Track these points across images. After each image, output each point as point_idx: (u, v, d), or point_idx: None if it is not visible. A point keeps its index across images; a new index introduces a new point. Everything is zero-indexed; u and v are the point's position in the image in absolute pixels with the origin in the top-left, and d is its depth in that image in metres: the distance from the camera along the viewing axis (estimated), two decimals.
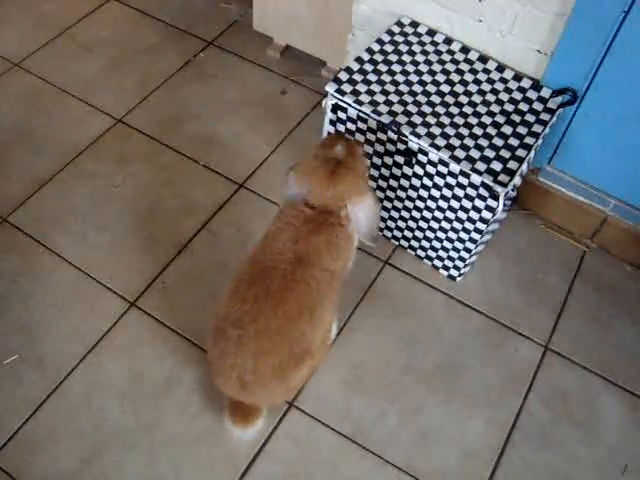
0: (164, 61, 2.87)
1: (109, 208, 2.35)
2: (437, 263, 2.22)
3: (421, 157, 1.90)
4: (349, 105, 1.95)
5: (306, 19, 2.67)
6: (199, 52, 2.92)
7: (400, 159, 1.96)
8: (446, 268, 2.21)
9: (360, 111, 1.94)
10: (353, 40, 2.44)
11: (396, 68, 2.05)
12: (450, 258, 2.16)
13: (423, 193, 2.01)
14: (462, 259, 2.12)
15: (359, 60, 2.06)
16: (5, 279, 2.18)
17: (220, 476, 1.84)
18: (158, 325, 2.07)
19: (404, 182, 2.02)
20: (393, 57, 2.08)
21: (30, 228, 2.30)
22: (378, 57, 2.08)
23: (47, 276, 2.18)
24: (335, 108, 1.99)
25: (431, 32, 2.17)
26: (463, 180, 1.85)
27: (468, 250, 2.07)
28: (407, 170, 1.98)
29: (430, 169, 1.91)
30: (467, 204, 1.91)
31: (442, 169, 1.88)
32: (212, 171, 2.47)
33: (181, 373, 1.99)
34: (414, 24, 2.19)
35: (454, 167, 1.85)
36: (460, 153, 1.85)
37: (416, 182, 1.99)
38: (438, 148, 1.86)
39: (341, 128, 2.03)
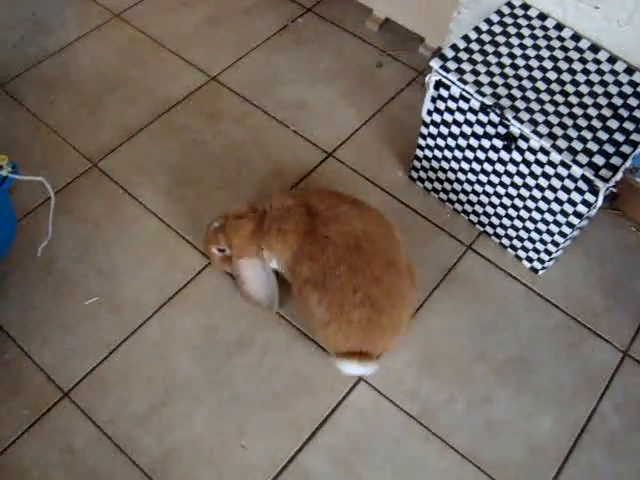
0: (261, 23, 2.86)
1: (196, 163, 2.36)
2: (521, 254, 2.17)
3: (521, 143, 1.85)
4: (453, 83, 1.91)
5: None
6: (297, 17, 2.90)
7: (498, 143, 1.91)
8: (529, 260, 2.16)
9: (464, 90, 1.89)
10: (458, 18, 2.38)
11: (503, 50, 1.99)
12: (535, 250, 2.10)
13: (517, 180, 1.95)
14: (548, 252, 2.07)
15: (466, 38, 2.01)
16: (90, 222, 2.21)
17: (283, 441, 1.84)
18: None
19: (499, 167, 1.97)
20: (501, 38, 2.03)
21: (118, 176, 2.33)
22: (485, 37, 2.02)
23: (130, 224, 2.21)
24: (438, 85, 1.94)
25: (542, 16, 2.10)
26: (562, 171, 1.80)
27: (556, 244, 2.02)
28: (504, 155, 1.93)
29: (529, 156, 1.86)
30: (563, 196, 1.85)
31: (542, 157, 1.82)
32: (301, 137, 2.46)
33: (255, 334, 2.00)
34: (525, 6, 2.12)
35: (555, 157, 1.79)
36: (562, 143, 1.79)
37: (512, 168, 1.94)
38: (540, 135, 1.80)
39: (441, 106, 1.98)
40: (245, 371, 1.94)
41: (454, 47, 1.98)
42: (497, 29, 2.05)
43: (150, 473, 1.79)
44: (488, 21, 2.07)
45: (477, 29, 2.04)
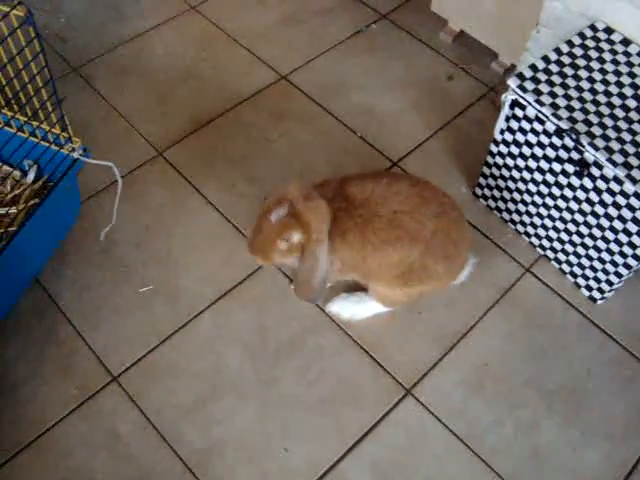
0: (335, 26, 2.86)
1: (261, 161, 2.37)
2: (580, 281, 2.12)
3: (594, 170, 1.81)
4: (529, 104, 1.88)
5: (489, 8, 2.59)
6: (371, 23, 2.89)
7: (570, 168, 1.88)
8: (589, 288, 2.11)
9: (540, 111, 1.86)
10: (536, 37, 2.34)
11: (583, 74, 1.96)
12: (596, 279, 2.06)
13: (586, 207, 1.92)
14: (609, 282, 2.03)
15: (545, 59, 1.97)
16: (152, 211, 2.23)
17: (326, 447, 1.83)
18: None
19: (568, 192, 1.94)
20: (581, 62, 1.99)
21: (183, 167, 2.35)
22: (565, 59, 1.99)
23: (192, 216, 2.23)
24: (513, 104, 1.91)
25: (625, 42, 2.05)
26: (635, 202, 1.76)
27: (619, 275, 1.98)
28: (575, 181, 1.89)
29: (601, 184, 1.82)
30: (633, 228, 1.81)
31: (614, 187, 1.79)
32: (367, 144, 2.45)
33: (306, 337, 2.00)
34: (608, 30, 2.08)
35: (628, 187, 1.75)
36: (637, 174, 1.75)
37: (581, 195, 1.90)
38: (615, 164, 1.76)
39: (515, 126, 1.95)
40: (293, 373, 1.94)
41: (533, 67, 1.95)
42: (578, 52, 2.01)
43: (191, 466, 1.79)
44: (569, 43, 2.03)
45: (557, 50, 2.00)
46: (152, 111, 2.51)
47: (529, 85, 1.90)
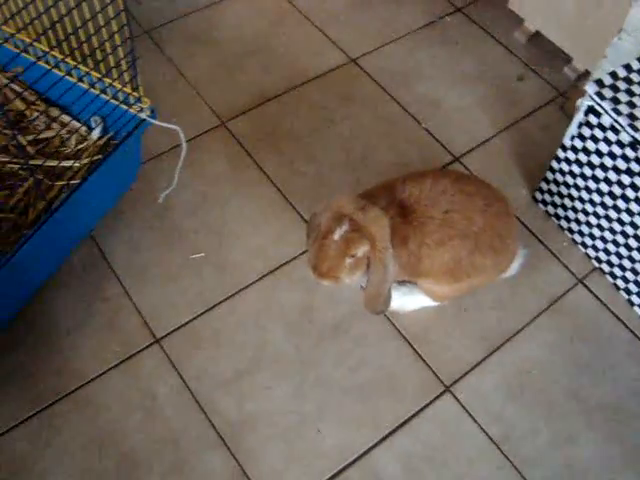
0: (409, 15, 2.83)
1: (322, 141, 2.36)
2: (635, 299, 2.08)
3: None
4: (605, 112, 1.83)
5: (570, 10, 2.53)
6: (445, 15, 2.85)
7: None
8: None
9: (616, 121, 1.82)
10: (617, 44, 2.28)
11: None
12: None
13: None
14: None
15: (627, 67, 1.93)
16: (210, 179, 2.24)
17: (359, 434, 1.83)
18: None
19: (634, 207, 1.89)
20: None
21: (245, 139, 2.35)
22: None
23: (249, 188, 2.23)
24: (589, 111, 1.87)
25: None
26: None
27: None
28: None
29: None
30: None
31: None
32: (431, 136, 2.42)
33: (351, 322, 1.99)
34: None
35: None
36: None
37: None
38: None
39: (587, 133, 1.91)
40: (335, 357, 1.93)
41: (613, 75, 1.90)
42: None
43: (223, 435, 1.80)
44: None
45: None
46: (219, 81, 2.51)
47: (607, 93, 1.85)
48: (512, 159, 2.39)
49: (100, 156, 1.98)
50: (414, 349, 1.97)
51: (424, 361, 1.95)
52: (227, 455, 1.78)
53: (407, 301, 2.00)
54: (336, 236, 1.62)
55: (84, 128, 2.07)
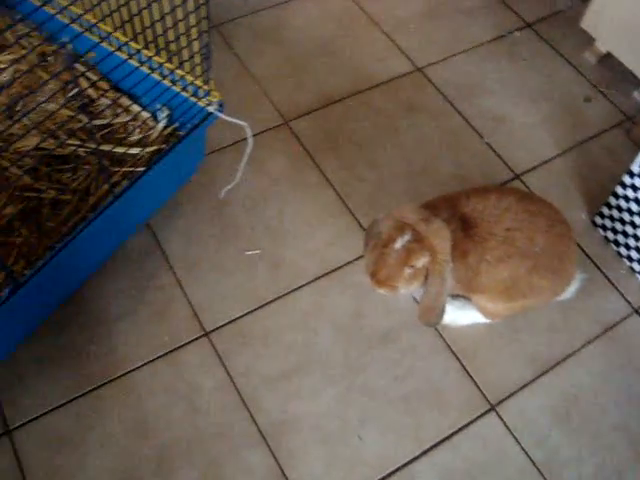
0: (478, 27, 2.80)
1: (384, 148, 2.35)
2: None
3: None
4: None
5: None
6: (514, 30, 2.82)
7: None
8: None
9: None
10: None
11: None
12: None
13: None
14: None
15: None
16: (270, 177, 2.24)
17: (401, 445, 1.82)
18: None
19: None
20: None
21: (306, 139, 2.36)
22: None
23: (308, 189, 2.23)
24: None
25: None
26: None
27: None
28: None
29: None
30: None
31: None
32: (493, 151, 2.40)
33: (401, 332, 1.98)
34: None
35: None
36: None
37: None
38: None
39: None
40: (382, 365, 1.92)
41: None
42: None
43: (265, 434, 1.80)
44: None
45: None
46: (284, 79, 2.52)
47: None
48: (573, 181, 2.35)
49: (164, 146, 1.99)
50: (462, 364, 1.95)
51: (471, 377, 1.93)
52: (267, 454, 1.78)
53: (459, 315, 1.99)
54: (397, 245, 1.62)
55: (150, 117, 2.09)
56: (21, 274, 1.66)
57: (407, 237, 1.62)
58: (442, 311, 1.71)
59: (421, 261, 1.64)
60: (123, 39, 1.94)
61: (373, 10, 2.80)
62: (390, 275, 1.65)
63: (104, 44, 1.89)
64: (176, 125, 2.06)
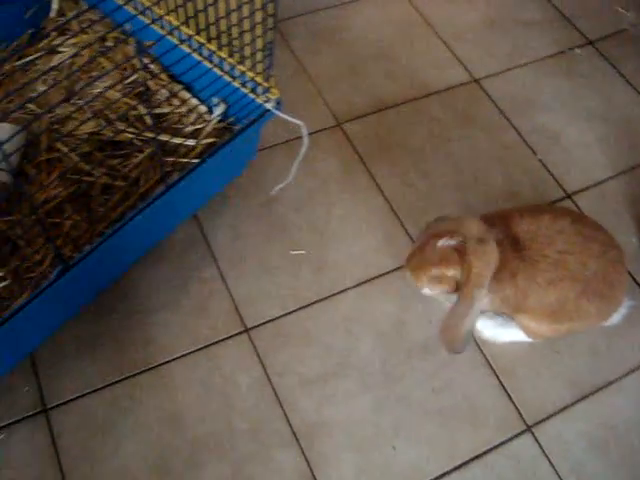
0: (538, 41, 2.77)
1: (436, 157, 2.34)
2: None
3: None
4: None
5: None
6: (576, 47, 2.78)
7: None
8: None
9: None
10: None
11: None
12: None
13: None
14: None
15: None
16: (320, 178, 2.24)
17: (434, 458, 1.81)
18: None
19: None
20: None
21: (359, 143, 2.35)
22: None
23: (356, 193, 2.22)
24: None
25: None
26: None
27: None
28: None
29: None
30: None
31: None
32: (545, 168, 2.37)
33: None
34: None
35: None
36: None
37: None
38: None
39: None
40: (420, 376, 1.91)
41: None
42: None
43: (298, 435, 1.80)
44: None
45: None
46: (340, 81, 2.51)
47: None
48: (626, 204, 2.32)
49: (217, 139, 2.00)
50: (500, 382, 1.93)
51: (509, 396, 1.91)
52: (299, 455, 1.78)
53: (501, 332, 1.97)
54: (439, 243, 1.64)
55: (206, 111, 2.10)
56: (69, 257, 1.67)
57: (452, 243, 1.62)
58: (465, 338, 1.67)
59: (450, 271, 1.64)
60: (188, 32, 1.95)
61: (433, 17, 2.79)
62: (419, 266, 1.69)
63: (169, 37, 1.91)
64: (230, 120, 2.07)
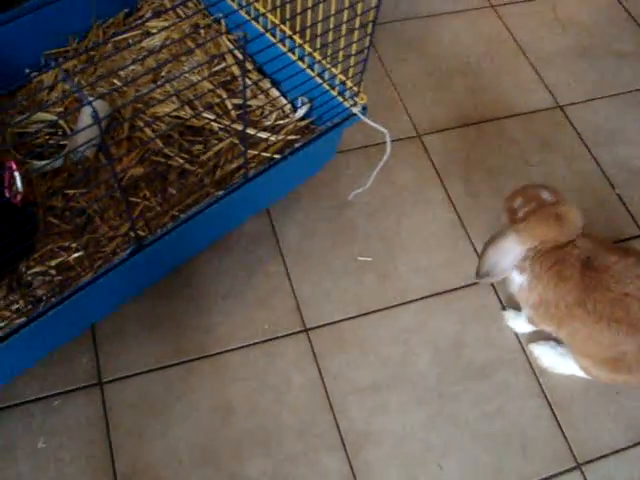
0: (629, 73, 2.72)
1: (513, 180, 2.28)
2: None
3: None
4: None
5: None
6: None
7: None
8: None
9: None
10: None
11: None
12: None
13: None
14: None
15: None
16: (394, 188, 2.25)
17: None
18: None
19: None
20: None
21: (436, 157, 2.36)
22: None
23: (429, 206, 2.23)
24: None
25: None
26: None
27: None
28: None
29: None
30: None
31: None
32: (622, 203, 2.33)
33: (498, 368, 1.95)
34: None
35: None
36: None
37: None
38: None
39: None
40: (473, 398, 1.89)
41: None
42: None
43: (345, 441, 1.80)
44: None
45: None
46: (423, 92, 2.51)
47: None
48: None
49: (297, 137, 2.01)
50: (554, 414, 1.90)
51: (561, 430, 1.88)
52: (344, 461, 1.78)
53: (560, 363, 1.93)
54: (543, 195, 1.73)
55: (289, 107, 2.11)
56: (141, 237, 1.70)
57: (551, 199, 1.73)
58: (489, 265, 1.72)
59: (523, 209, 1.72)
60: (286, 31, 1.97)
61: (523, 38, 2.76)
62: (509, 199, 1.79)
63: (269, 35, 1.93)
64: (313, 118, 2.07)
